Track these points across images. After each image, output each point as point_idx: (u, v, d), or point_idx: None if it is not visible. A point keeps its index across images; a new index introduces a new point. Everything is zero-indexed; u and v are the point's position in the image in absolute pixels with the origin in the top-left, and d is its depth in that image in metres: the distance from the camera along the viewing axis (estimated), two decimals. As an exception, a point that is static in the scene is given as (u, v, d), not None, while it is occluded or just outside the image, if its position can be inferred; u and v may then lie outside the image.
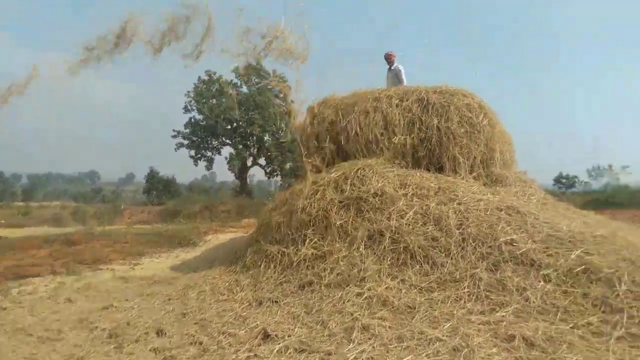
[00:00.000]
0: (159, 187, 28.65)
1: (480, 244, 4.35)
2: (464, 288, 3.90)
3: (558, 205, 6.11)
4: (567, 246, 4.14)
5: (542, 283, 3.75)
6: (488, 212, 4.74)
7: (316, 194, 5.44)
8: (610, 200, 15.14)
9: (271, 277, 4.95)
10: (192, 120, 24.38)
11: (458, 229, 4.55)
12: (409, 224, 4.74)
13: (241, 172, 25.37)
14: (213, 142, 25.11)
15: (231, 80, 23.26)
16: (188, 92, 23.73)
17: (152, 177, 29.17)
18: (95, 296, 5.17)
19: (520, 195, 5.74)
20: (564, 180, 30.10)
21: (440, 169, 6.00)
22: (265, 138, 24.10)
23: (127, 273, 6.51)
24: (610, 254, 4.00)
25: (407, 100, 6.35)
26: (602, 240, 4.31)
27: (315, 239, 5.05)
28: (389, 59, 7.82)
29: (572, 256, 3.94)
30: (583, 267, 3.79)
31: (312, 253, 4.90)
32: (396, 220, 4.82)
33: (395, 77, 7.71)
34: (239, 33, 6.56)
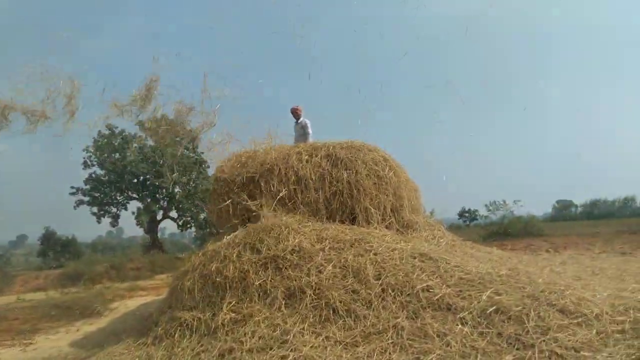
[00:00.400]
0: (56, 248, 25.99)
1: (399, 293, 4.41)
2: (388, 339, 3.90)
3: (465, 245, 6.49)
4: (477, 288, 4.36)
5: (459, 326, 3.87)
6: (403, 261, 4.87)
7: (232, 255, 5.24)
8: (508, 231, 16.45)
9: (187, 347, 4.54)
10: (93, 175, 22.83)
11: (377, 280, 4.60)
12: (329, 279, 4.69)
13: (151, 227, 24.00)
14: (118, 197, 23.60)
15: (135, 133, 22.23)
16: (87, 147, 22.24)
17: (48, 237, 26.44)
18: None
19: (430, 239, 6.05)
20: (466, 214, 32.58)
21: (353, 221, 6.13)
22: (176, 190, 23.16)
23: (16, 357, 5.70)
24: (515, 292, 4.29)
25: (316, 156, 6.50)
26: (507, 279, 4.60)
27: (234, 302, 4.80)
28: (295, 112, 8.00)
29: (484, 297, 4.15)
30: (494, 307, 3.99)
31: (231, 317, 4.62)
32: (315, 275, 4.76)
33: (301, 129, 7.88)
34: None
